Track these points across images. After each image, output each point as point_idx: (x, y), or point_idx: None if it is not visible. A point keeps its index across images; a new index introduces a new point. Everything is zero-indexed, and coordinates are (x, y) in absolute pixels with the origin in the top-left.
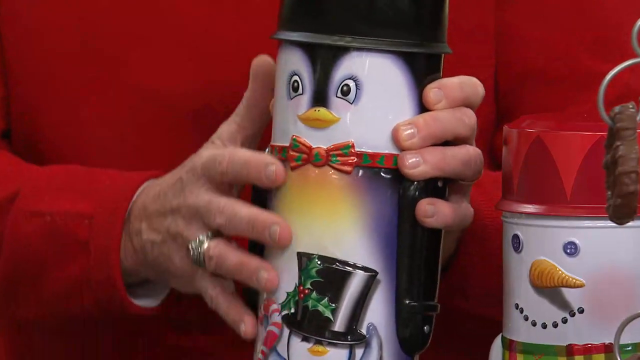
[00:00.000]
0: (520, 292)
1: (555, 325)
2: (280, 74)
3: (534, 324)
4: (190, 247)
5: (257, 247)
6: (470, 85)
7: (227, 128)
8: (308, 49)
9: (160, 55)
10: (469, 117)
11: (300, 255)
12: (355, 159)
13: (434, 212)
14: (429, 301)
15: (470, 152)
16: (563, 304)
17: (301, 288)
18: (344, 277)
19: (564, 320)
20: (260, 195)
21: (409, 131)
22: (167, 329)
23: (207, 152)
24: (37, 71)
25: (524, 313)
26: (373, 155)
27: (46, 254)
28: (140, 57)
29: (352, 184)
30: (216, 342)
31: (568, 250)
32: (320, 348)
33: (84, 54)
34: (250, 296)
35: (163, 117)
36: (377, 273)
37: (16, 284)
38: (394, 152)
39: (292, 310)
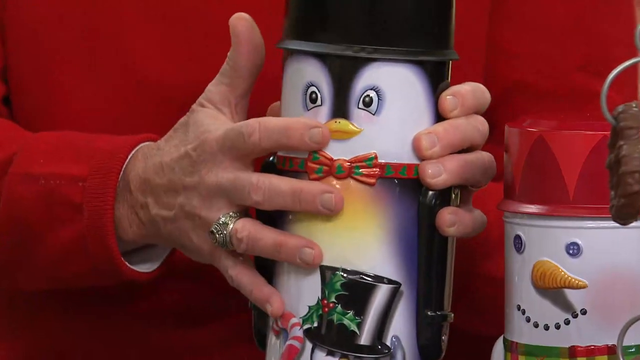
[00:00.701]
0: (522, 293)
1: (557, 326)
2: (293, 84)
3: (536, 325)
4: (213, 230)
5: (266, 266)
6: (480, 92)
7: (216, 89)
8: (326, 59)
9: (156, 43)
10: (482, 125)
11: (323, 268)
12: (379, 171)
13: (455, 221)
14: (445, 310)
15: (486, 158)
16: (566, 305)
17: (325, 302)
18: (369, 290)
19: (567, 322)
20: (266, 213)
21: (430, 140)
22: (157, 324)
23: (220, 126)
24: (33, 51)
25: (526, 314)
26: (395, 166)
27: (41, 217)
28: (136, 44)
29: (375, 196)
30: (206, 338)
31: (571, 251)
32: None
33: (81, 35)
34: (260, 311)
35: (155, 105)
36: (401, 285)
37: (12, 249)
38: (415, 162)
39: (315, 324)
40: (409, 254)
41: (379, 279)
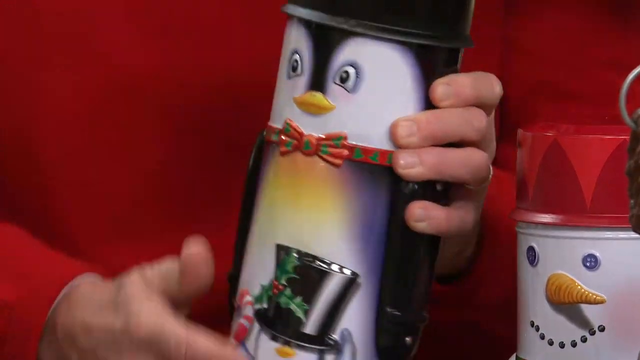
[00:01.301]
0: (536, 309)
1: (574, 344)
2: (284, 50)
3: (550, 343)
4: None
5: (241, 235)
6: (485, 83)
7: (158, 282)
8: (310, 27)
9: (133, 31)
10: (479, 120)
11: (279, 247)
12: (347, 152)
13: (426, 216)
14: (417, 312)
15: (475, 156)
16: (582, 322)
17: (276, 283)
18: (321, 276)
19: (584, 339)
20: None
21: (408, 128)
22: None
23: (152, 313)
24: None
25: (540, 331)
26: (366, 150)
27: None
28: (112, 33)
29: (341, 179)
30: None
31: (588, 264)
32: (287, 349)
33: (55, 25)
34: (234, 283)
35: (129, 97)
36: (358, 276)
37: None
38: (391, 149)
39: (265, 306)
40: (374, 245)
41: (334, 267)
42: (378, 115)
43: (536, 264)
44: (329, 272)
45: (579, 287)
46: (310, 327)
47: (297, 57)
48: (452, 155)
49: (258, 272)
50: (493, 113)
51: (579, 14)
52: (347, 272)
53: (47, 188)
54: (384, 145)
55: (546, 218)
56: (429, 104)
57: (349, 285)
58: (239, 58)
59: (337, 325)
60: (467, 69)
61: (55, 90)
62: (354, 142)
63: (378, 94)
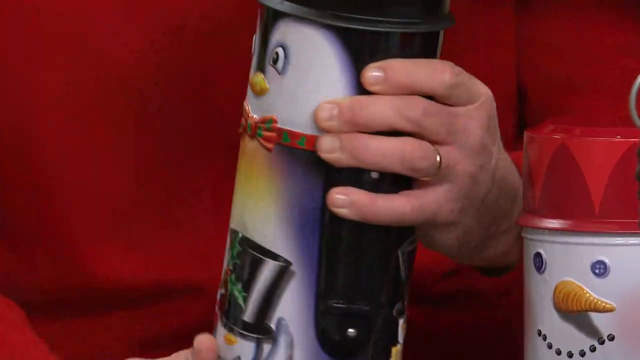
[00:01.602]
0: (544, 318)
1: (582, 354)
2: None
3: (558, 352)
4: None
5: None
6: (426, 70)
7: None
8: (262, 9)
9: (133, 31)
10: (412, 109)
11: (230, 231)
12: (275, 136)
13: (348, 202)
14: (362, 302)
15: (408, 146)
16: (591, 331)
17: (227, 268)
18: (257, 263)
19: (592, 349)
20: None
21: (329, 111)
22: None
23: None
24: None
25: (548, 340)
26: (293, 135)
27: None
28: (111, 32)
29: (273, 163)
30: None
31: (597, 271)
32: (231, 337)
33: (54, 25)
34: None
35: (128, 96)
36: (290, 264)
37: None
38: (318, 134)
39: (222, 291)
40: (309, 234)
41: (268, 254)
42: (304, 99)
43: (543, 271)
44: (262, 259)
45: (588, 294)
46: (248, 314)
47: (254, 37)
48: (375, 144)
49: (225, 256)
50: (490, 108)
51: (594, 4)
52: (280, 260)
53: (46, 188)
54: (313, 130)
55: (553, 223)
56: (363, 90)
57: (282, 273)
58: (241, 59)
59: (273, 314)
60: (481, 65)
61: (53, 91)
62: (282, 126)
63: (304, 77)
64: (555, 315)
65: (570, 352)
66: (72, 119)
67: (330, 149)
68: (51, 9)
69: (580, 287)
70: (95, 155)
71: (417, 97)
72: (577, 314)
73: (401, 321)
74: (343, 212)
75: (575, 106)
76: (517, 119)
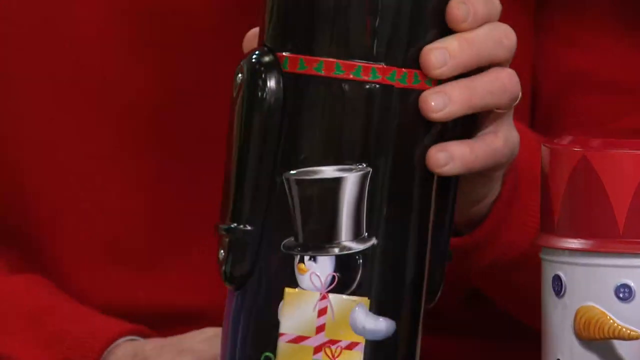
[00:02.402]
0: (564, 345)
1: None
2: None
3: None
4: None
5: None
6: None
7: None
8: None
9: (122, 46)
10: (509, 37)
11: None
12: None
13: (450, 158)
14: (230, 223)
15: (502, 77)
16: None
17: None
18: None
19: None
20: None
21: (441, 57)
22: None
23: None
24: None
25: None
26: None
27: None
28: (99, 48)
29: None
30: None
31: (621, 295)
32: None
33: (35, 40)
34: None
35: (118, 114)
36: None
37: None
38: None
39: None
40: None
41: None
42: None
43: (563, 295)
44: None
45: (611, 321)
46: None
47: None
48: (479, 83)
49: None
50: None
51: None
52: None
53: (32, 213)
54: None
55: (574, 243)
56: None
57: None
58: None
59: None
60: None
61: (38, 114)
62: None
63: None
64: (575, 343)
65: None
66: (58, 140)
67: (440, 106)
68: (34, 22)
69: (603, 312)
70: (84, 179)
71: (502, 23)
72: (599, 341)
73: (297, 261)
74: (447, 168)
75: (591, 108)
76: (530, 124)
